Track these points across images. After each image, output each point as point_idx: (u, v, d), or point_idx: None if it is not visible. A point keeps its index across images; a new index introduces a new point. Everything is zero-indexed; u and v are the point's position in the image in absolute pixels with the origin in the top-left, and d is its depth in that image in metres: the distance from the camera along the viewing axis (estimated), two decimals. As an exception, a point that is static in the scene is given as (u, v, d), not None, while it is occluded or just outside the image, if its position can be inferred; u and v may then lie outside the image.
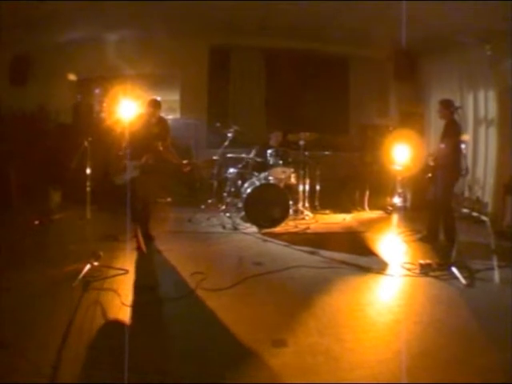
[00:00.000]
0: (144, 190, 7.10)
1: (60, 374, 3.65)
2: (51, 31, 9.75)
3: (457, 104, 7.49)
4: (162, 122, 7.55)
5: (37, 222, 8.07)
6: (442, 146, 7.48)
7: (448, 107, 7.55)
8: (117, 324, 4.61)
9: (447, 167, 7.31)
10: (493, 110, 9.67)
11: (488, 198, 9.68)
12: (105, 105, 9.00)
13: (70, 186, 8.59)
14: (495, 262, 6.33)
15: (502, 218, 8.71)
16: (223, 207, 9.41)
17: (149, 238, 7.45)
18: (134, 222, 7.14)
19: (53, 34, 9.92)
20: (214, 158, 9.69)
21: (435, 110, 8.13)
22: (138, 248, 7.09)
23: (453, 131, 7.28)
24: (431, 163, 7.73)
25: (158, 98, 7.54)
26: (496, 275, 6.14)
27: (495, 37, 8.85)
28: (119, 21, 9.82)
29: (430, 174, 7.80)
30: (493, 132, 9.67)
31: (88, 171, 6.00)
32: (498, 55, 9.02)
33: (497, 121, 9.48)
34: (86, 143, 6.02)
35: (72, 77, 11.33)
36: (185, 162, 7.59)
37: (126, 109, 6.70)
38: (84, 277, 5.62)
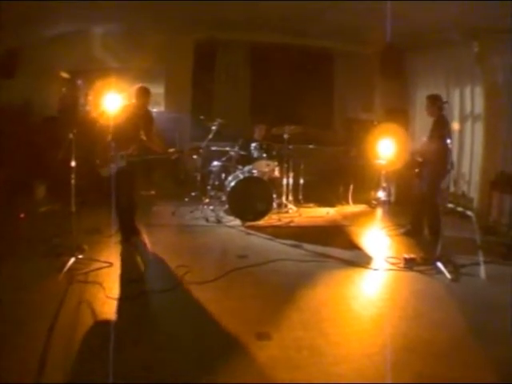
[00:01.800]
0: (130, 181, 7.08)
1: (46, 368, 3.61)
2: (38, 25, 9.62)
3: (443, 99, 7.49)
4: (146, 112, 7.46)
5: (22, 216, 8.00)
6: (430, 141, 7.48)
7: (435, 103, 7.56)
8: (102, 317, 4.56)
9: (434, 162, 7.30)
10: (479, 106, 9.69)
11: (474, 193, 9.71)
12: (90, 98, 8.94)
13: (55, 179, 8.50)
14: (481, 258, 6.36)
15: (488, 214, 8.75)
16: (207, 200, 9.34)
17: (134, 232, 7.40)
18: (118, 215, 7.09)
19: (39, 27, 9.79)
20: (201, 150, 9.59)
21: (420, 106, 8.13)
22: (124, 241, 7.05)
23: (441, 127, 7.28)
24: (419, 159, 7.74)
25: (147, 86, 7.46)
26: (481, 270, 6.17)
27: (483, 34, 8.86)
28: (105, 15, 9.72)
29: (417, 170, 7.81)
30: (479, 128, 9.69)
31: (73, 164, 5.92)
32: (486, 52, 9.05)
33: (484, 117, 9.51)
34: (71, 136, 5.94)
35: (65, 74, 11.28)
36: (171, 150, 7.53)
37: (111, 101, 6.65)
38: (69, 270, 5.60)
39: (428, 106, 7.67)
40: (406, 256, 6.49)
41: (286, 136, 9.78)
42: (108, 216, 7.08)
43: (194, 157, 9.59)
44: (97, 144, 6.80)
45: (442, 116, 7.38)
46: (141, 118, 7.15)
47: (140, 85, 7.31)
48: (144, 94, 7.22)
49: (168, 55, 11.91)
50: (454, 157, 8.47)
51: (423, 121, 8.19)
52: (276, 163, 9.50)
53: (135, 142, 7.08)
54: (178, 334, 4.38)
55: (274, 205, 9.06)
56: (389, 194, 10.55)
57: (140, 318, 4.69)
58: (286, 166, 9.90)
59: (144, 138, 7.16)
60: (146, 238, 7.38)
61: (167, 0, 8.85)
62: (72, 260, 5.78)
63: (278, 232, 8.24)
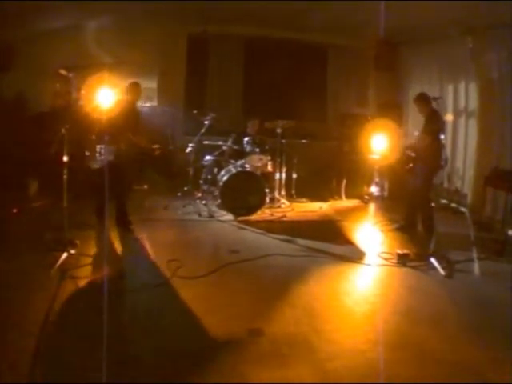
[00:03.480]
0: (118, 174, 7.14)
1: (38, 364, 3.59)
2: (31, 20, 9.55)
3: (437, 95, 7.45)
4: (135, 109, 7.70)
5: (15, 211, 7.95)
6: (423, 136, 7.46)
7: (423, 101, 7.56)
8: (94, 313, 4.51)
9: (427, 158, 7.28)
10: (473, 101, 9.69)
11: (467, 189, 9.71)
12: (83, 92, 8.88)
13: (48, 173, 8.46)
14: (474, 254, 6.35)
15: (482, 210, 8.74)
16: (199, 195, 9.31)
17: (128, 224, 7.56)
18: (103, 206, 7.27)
19: (33, 22, 9.72)
20: (189, 148, 9.55)
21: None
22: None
23: (433, 122, 7.25)
24: (412, 154, 7.72)
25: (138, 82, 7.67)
26: (475, 266, 6.16)
27: (477, 30, 8.85)
28: (98, 9, 9.64)
29: (410, 165, 7.79)
30: (473, 123, 9.69)
31: (65, 159, 5.89)
32: (480, 48, 9.03)
33: (478, 113, 9.50)
34: (63, 131, 5.90)
35: (63, 71, 11.18)
36: (155, 146, 7.66)
37: (103, 96, 6.66)
38: (61, 265, 5.56)
39: (418, 106, 7.69)
40: (400, 251, 6.47)
41: (279, 130, 9.76)
42: (99, 211, 7.25)
43: (188, 149, 9.54)
44: (87, 137, 6.84)
45: (433, 111, 7.36)
46: (130, 114, 7.29)
47: (132, 81, 7.40)
48: (135, 89, 7.41)
49: (161, 49, 11.88)
50: (448, 153, 8.45)
51: (417, 116, 8.15)
52: (269, 158, 9.46)
53: (124, 136, 7.20)
54: (170, 329, 4.35)
55: (267, 199, 9.02)
56: (382, 189, 10.54)
57: (131, 313, 4.66)
58: (278, 160, 9.87)
59: (130, 134, 7.27)
60: (136, 233, 7.35)
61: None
62: (64, 255, 5.75)
63: (270, 227, 8.21)
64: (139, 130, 7.60)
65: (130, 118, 7.27)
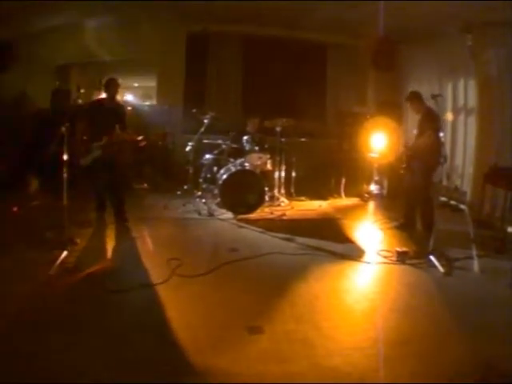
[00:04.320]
0: (107, 169, 7.46)
1: (37, 363, 3.58)
2: (31, 18, 9.56)
3: (436, 92, 7.44)
4: (119, 105, 8.01)
5: (15, 209, 7.95)
6: (421, 135, 7.47)
7: (416, 99, 7.57)
8: (94, 310, 4.52)
9: (427, 156, 7.28)
10: (472, 99, 9.68)
11: (467, 186, 9.70)
12: (82, 90, 8.88)
13: (48, 172, 8.47)
14: (474, 251, 6.35)
15: (481, 207, 8.73)
16: (199, 193, 9.31)
17: (124, 220, 7.66)
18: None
19: (32, 20, 9.73)
20: (188, 146, 9.57)
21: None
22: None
23: (430, 120, 7.25)
24: (408, 153, 7.73)
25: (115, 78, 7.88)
26: (474, 264, 6.16)
27: (476, 27, 8.84)
28: (98, 7, 9.65)
29: (404, 165, 7.81)
30: (472, 121, 9.68)
31: (65, 157, 5.90)
32: (479, 45, 9.02)
33: (477, 110, 9.48)
34: (63, 129, 5.91)
35: (60, 70, 11.24)
36: (140, 137, 7.91)
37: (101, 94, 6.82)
38: (61, 263, 5.58)
39: (411, 106, 7.71)
40: (399, 249, 6.48)
41: (278, 129, 9.76)
42: (96, 208, 7.49)
43: (188, 148, 9.56)
44: (76, 135, 7.08)
45: (429, 109, 7.38)
46: (111, 110, 7.58)
47: (109, 77, 7.60)
48: (112, 85, 7.69)
49: (160, 48, 11.86)
50: (447, 150, 8.44)
51: (416, 114, 8.15)
52: (268, 156, 9.46)
53: (107, 132, 7.40)
54: (169, 327, 4.34)
55: (266, 198, 9.04)
56: (381, 188, 10.56)
57: (130, 312, 4.65)
58: (278, 158, 9.86)
59: (118, 130, 7.55)
60: (136, 232, 7.37)
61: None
62: (65, 253, 5.77)
63: (269, 225, 8.20)
64: (125, 124, 7.78)
65: (112, 114, 7.52)
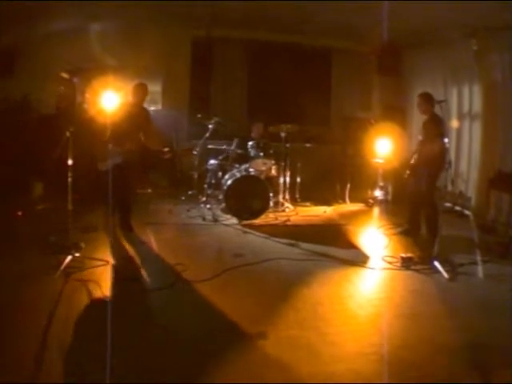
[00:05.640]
0: (124, 178, 7.17)
1: (42, 367, 3.58)
2: (35, 22, 9.60)
3: (441, 98, 7.43)
4: (143, 111, 7.65)
5: (19, 213, 7.97)
6: (426, 140, 7.47)
7: (429, 101, 7.55)
8: (98, 315, 4.51)
9: (431, 161, 7.28)
10: (477, 104, 9.68)
11: (471, 192, 9.69)
12: (87, 95, 8.93)
13: (53, 176, 8.49)
14: (478, 257, 6.34)
15: (486, 213, 8.72)
16: (204, 199, 9.30)
17: (129, 229, 7.54)
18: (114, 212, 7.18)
19: (37, 25, 9.77)
20: (194, 152, 9.58)
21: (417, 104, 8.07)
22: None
23: (436, 125, 7.25)
24: (412, 161, 7.74)
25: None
26: (479, 269, 6.15)
27: (481, 31, 8.84)
28: (102, 12, 9.70)
29: (408, 171, 7.80)
30: (477, 126, 9.68)
31: (70, 162, 5.92)
32: (484, 50, 9.01)
33: (482, 115, 9.49)
34: (67, 134, 5.94)
35: (64, 75, 11.25)
36: (165, 149, 7.63)
37: (108, 100, 6.67)
38: (65, 268, 5.58)
39: (420, 104, 7.69)
40: (403, 255, 6.47)
41: (283, 134, 9.79)
42: (105, 214, 7.23)
43: (194, 152, 9.57)
44: (95, 140, 6.86)
45: (435, 115, 7.37)
46: (137, 116, 7.28)
47: (138, 82, 7.40)
48: (141, 90, 7.37)
49: (165, 53, 11.88)
50: (452, 155, 8.43)
51: (421, 119, 8.13)
52: (273, 162, 9.46)
53: (131, 139, 7.19)
54: (174, 332, 4.35)
55: (271, 203, 9.02)
56: (386, 193, 10.53)
57: (136, 317, 4.66)
58: (282, 164, 9.87)
59: (142, 137, 7.25)
60: (141, 237, 7.37)
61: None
62: (69, 258, 5.76)
63: (274, 231, 8.20)
64: (151, 132, 7.63)
65: (137, 120, 7.29)
